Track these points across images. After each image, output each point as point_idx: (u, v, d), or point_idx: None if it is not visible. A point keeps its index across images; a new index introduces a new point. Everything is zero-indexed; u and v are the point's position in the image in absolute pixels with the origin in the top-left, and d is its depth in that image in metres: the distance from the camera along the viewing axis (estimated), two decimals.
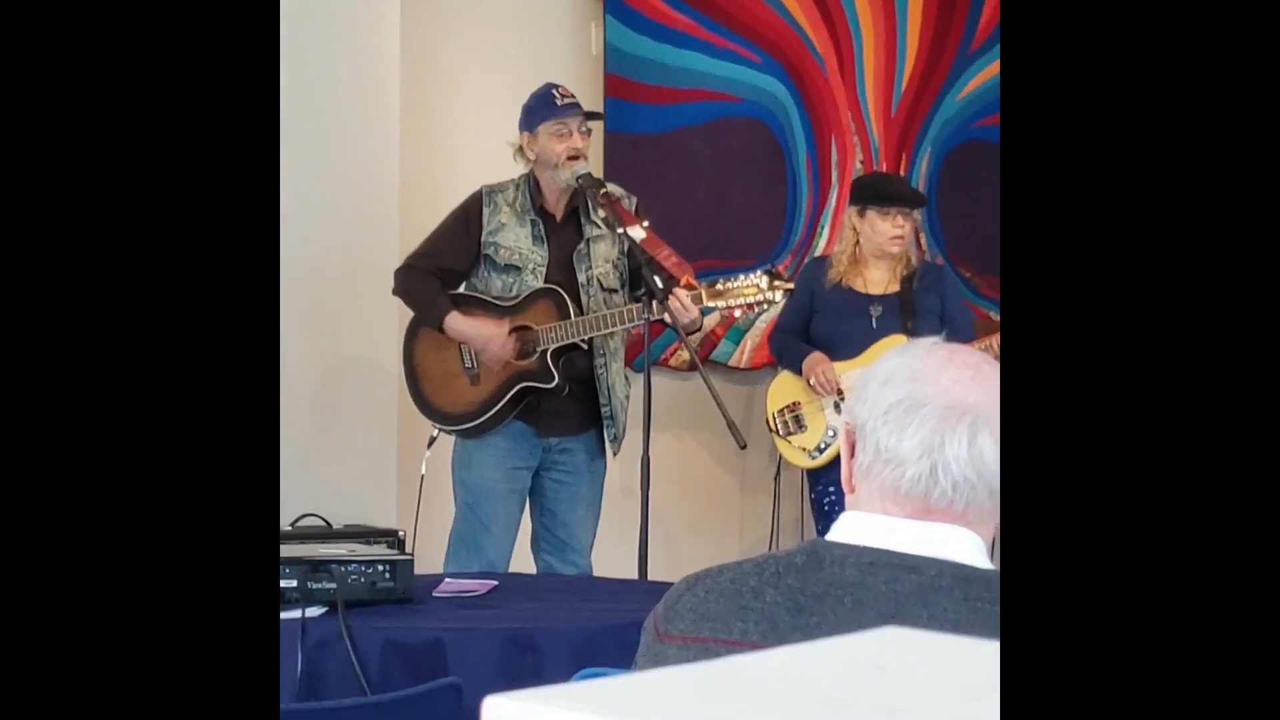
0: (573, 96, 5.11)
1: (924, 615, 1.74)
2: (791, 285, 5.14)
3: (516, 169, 5.18)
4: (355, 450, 5.69)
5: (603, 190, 5.02)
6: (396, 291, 5.18)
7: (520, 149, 5.13)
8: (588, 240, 5.10)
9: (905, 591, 1.76)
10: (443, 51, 6.28)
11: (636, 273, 5.00)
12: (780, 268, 6.58)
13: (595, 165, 5.89)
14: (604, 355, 5.12)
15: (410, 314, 5.27)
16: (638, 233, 4.90)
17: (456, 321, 5.06)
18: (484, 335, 5.04)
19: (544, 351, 5.02)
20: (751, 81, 6.72)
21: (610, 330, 5.03)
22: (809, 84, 6.80)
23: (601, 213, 5.04)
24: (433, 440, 5.19)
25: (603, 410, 5.13)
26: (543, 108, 5.10)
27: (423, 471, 5.14)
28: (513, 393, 5.05)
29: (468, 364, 5.11)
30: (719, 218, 6.66)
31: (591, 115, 5.19)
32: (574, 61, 6.48)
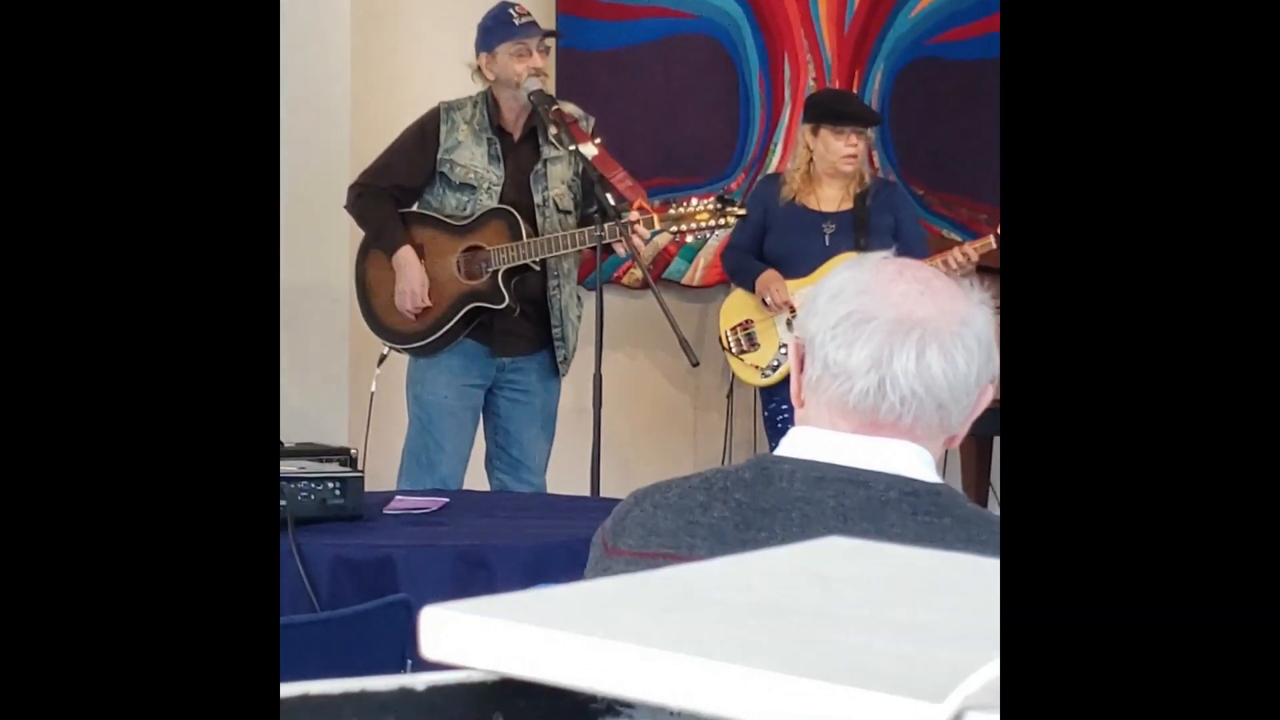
0: (529, 15, 5.08)
1: (871, 529, 1.75)
2: (743, 211, 5.15)
3: (466, 87, 5.15)
4: (307, 368, 5.67)
5: (554, 107, 5.00)
6: (351, 208, 5.17)
7: (479, 69, 5.10)
8: (544, 161, 5.10)
9: (853, 506, 1.77)
10: None
11: (589, 191, 5.00)
12: (732, 186, 6.58)
13: (548, 82, 5.86)
14: (557, 276, 5.13)
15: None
16: (590, 150, 4.88)
17: (402, 259, 5.05)
18: (411, 281, 5.03)
19: (495, 272, 5.01)
20: None
21: (562, 252, 5.03)
22: (761, 2, 6.77)
23: (553, 129, 5.02)
24: (383, 358, 5.18)
25: (554, 331, 5.14)
26: (500, 28, 5.06)
27: (372, 389, 5.14)
28: (463, 312, 5.04)
29: None
30: (671, 136, 6.63)
31: (549, 34, 5.16)
32: None
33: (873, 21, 6.94)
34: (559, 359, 5.16)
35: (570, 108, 5.07)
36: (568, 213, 5.11)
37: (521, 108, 5.07)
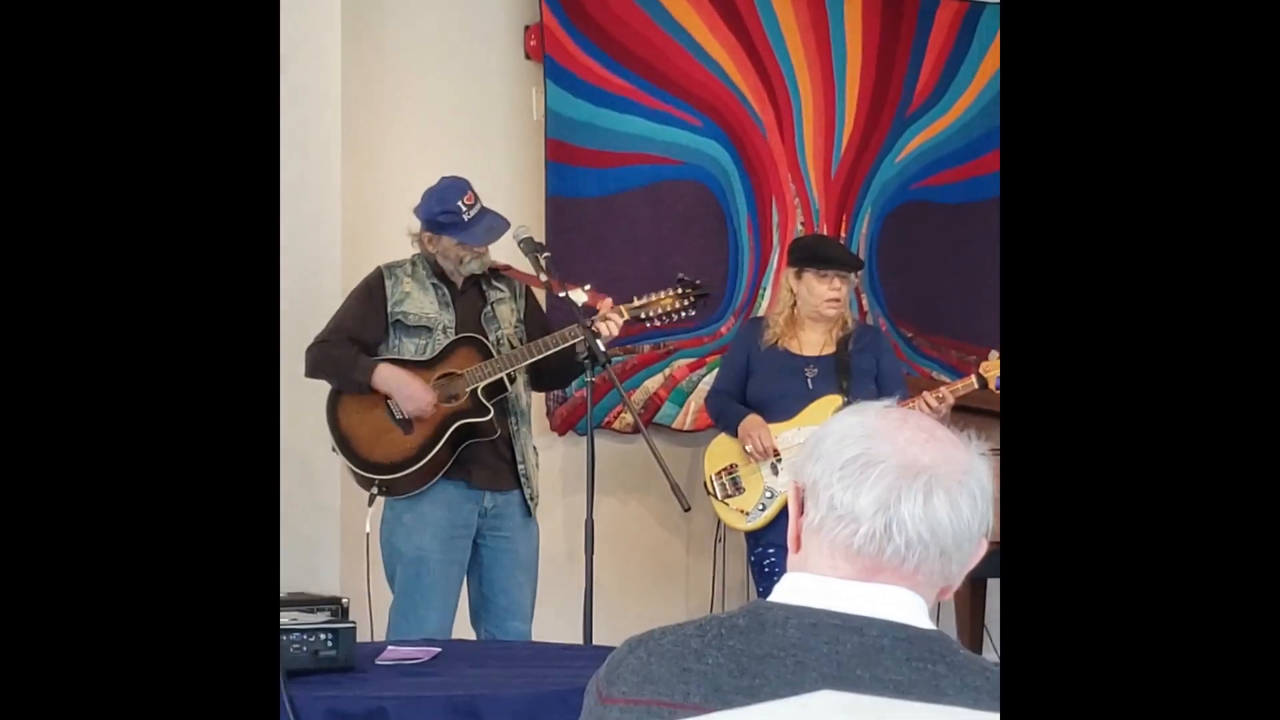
0: (476, 203, 5.13)
1: (866, 676, 1.74)
2: (707, 293, 5.25)
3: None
4: (297, 516, 5.65)
5: (545, 254, 5.05)
6: (310, 369, 5.14)
7: (418, 238, 5.18)
8: (492, 304, 5.16)
9: (847, 652, 1.76)
10: (382, 116, 6.29)
11: (544, 326, 5.15)
12: (722, 330, 6.62)
13: (537, 229, 5.91)
14: (515, 415, 5.17)
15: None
16: (579, 296, 4.94)
17: (386, 371, 5.06)
18: (413, 384, 5.04)
19: (474, 390, 5.03)
20: (691, 144, 6.75)
21: (539, 356, 5.05)
22: (749, 146, 6.84)
23: (544, 277, 5.07)
24: (373, 498, 5.16)
25: (519, 470, 5.15)
26: (451, 225, 5.11)
27: (367, 529, 5.11)
28: (449, 433, 5.04)
29: (398, 416, 5.11)
30: (661, 280, 6.64)
31: (494, 238, 5.19)
32: (515, 126, 6.50)
33: (859, 166, 7.01)
34: (527, 496, 5.16)
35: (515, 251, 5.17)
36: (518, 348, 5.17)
37: (467, 274, 5.15)
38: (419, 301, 5.13)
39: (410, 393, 5.03)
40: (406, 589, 5.11)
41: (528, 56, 6.54)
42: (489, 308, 5.17)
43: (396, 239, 5.65)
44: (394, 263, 5.21)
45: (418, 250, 5.21)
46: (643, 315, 5.13)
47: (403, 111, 6.34)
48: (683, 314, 5.27)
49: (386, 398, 5.10)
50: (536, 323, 5.24)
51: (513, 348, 5.13)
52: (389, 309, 5.13)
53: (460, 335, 5.10)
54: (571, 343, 4.97)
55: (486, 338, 5.13)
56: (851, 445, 1.80)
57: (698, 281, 5.35)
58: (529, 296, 5.27)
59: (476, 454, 5.10)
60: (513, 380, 5.10)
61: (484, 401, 5.03)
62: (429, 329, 5.12)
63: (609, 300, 5.06)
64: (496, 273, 5.15)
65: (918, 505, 1.76)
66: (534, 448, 5.30)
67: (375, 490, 5.15)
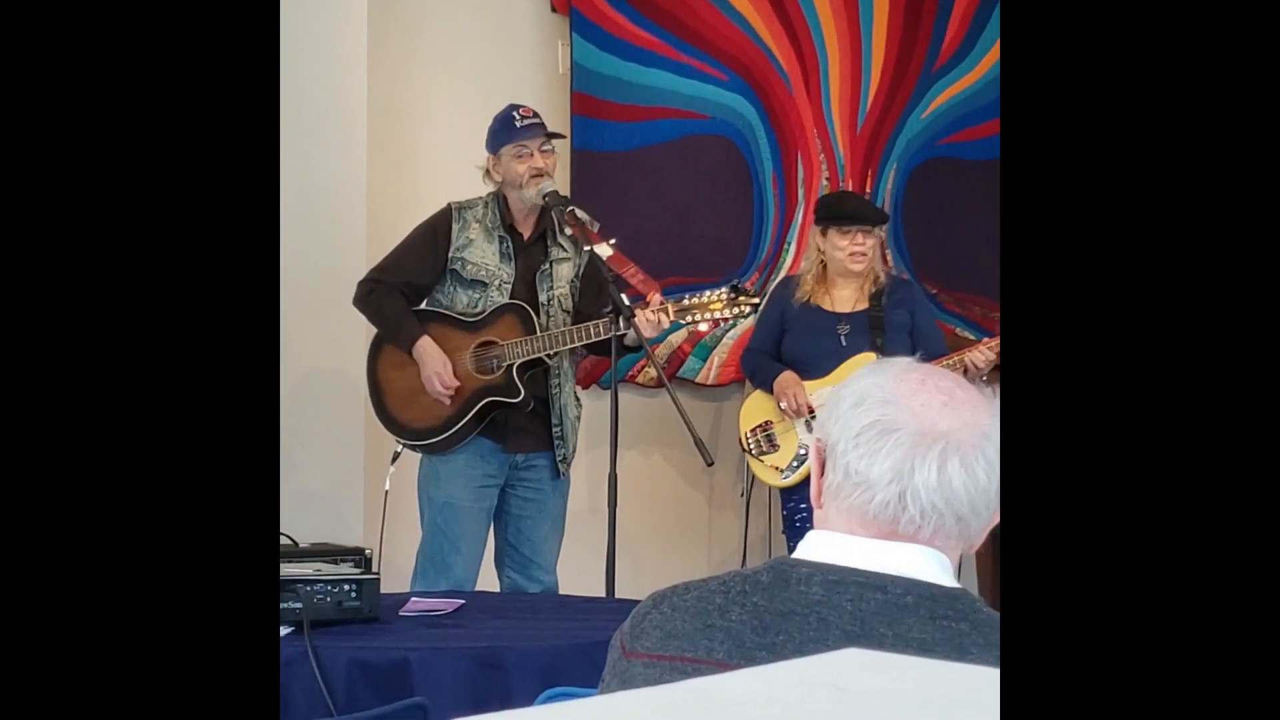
0: (534, 116, 5.13)
1: (889, 634, 1.75)
2: (757, 301, 5.17)
3: (479, 185, 5.21)
4: (322, 467, 5.68)
5: (569, 209, 5.04)
6: (358, 304, 5.17)
7: (487, 171, 5.15)
8: (552, 261, 5.14)
9: (871, 610, 1.77)
10: (409, 70, 6.28)
11: (600, 289, 5.04)
12: (747, 285, 6.61)
13: (562, 183, 5.90)
14: (558, 376, 5.16)
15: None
16: (605, 250, 4.93)
17: (425, 346, 5.08)
18: (435, 367, 5.04)
19: (509, 366, 5.04)
20: (718, 99, 6.73)
21: (576, 344, 5.06)
22: (775, 102, 6.82)
23: (569, 230, 5.06)
24: (396, 456, 5.19)
25: (554, 431, 5.16)
26: (504, 131, 5.13)
27: (386, 488, 5.13)
28: (478, 408, 5.06)
29: None
30: (686, 235, 6.67)
31: (552, 135, 5.20)
32: (541, 80, 6.49)
33: (885, 122, 6.99)
34: (559, 457, 5.17)
35: (580, 213, 5.11)
36: (569, 312, 5.15)
37: (530, 208, 5.12)
38: (481, 250, 5.11)
39: (432, 374, 5.04)
40: (434, 534, 5.15)
41: (554, 9, 6.52)
42: (548, 265, 5.15)
43: (423, 190, 5.66)
44: (465, 202, 5.18)
45: (492, 189, 5.19)
46: (688, 319, 5.09)
47: (428, 64, 6.33)
48: (731, 319, 5.26)
49: None
50: (593, 283, 5.17)
51: (561, 309, 5.12)
52: (450, 253, 5.12)
53: (509, 301, 5.08)
54: (611, 335, 4.90)
55: (538, 296, 5.11)
56: (869, 410, 1.80)
57: (752, 290, 5.32)
58: (593, 254, 5.22)
59: (509, 419, 5.12)
60: (551, 357, 5.09)
61: (517, 381, 5.03)
62: (484, 284, 5.10)
63: (658, 295, 5.01)
64: (564, 227, 5.10)
65: (932, 474, 1.76)
66: (578, 403, 5.29)
67: (399, 448, 5.19)
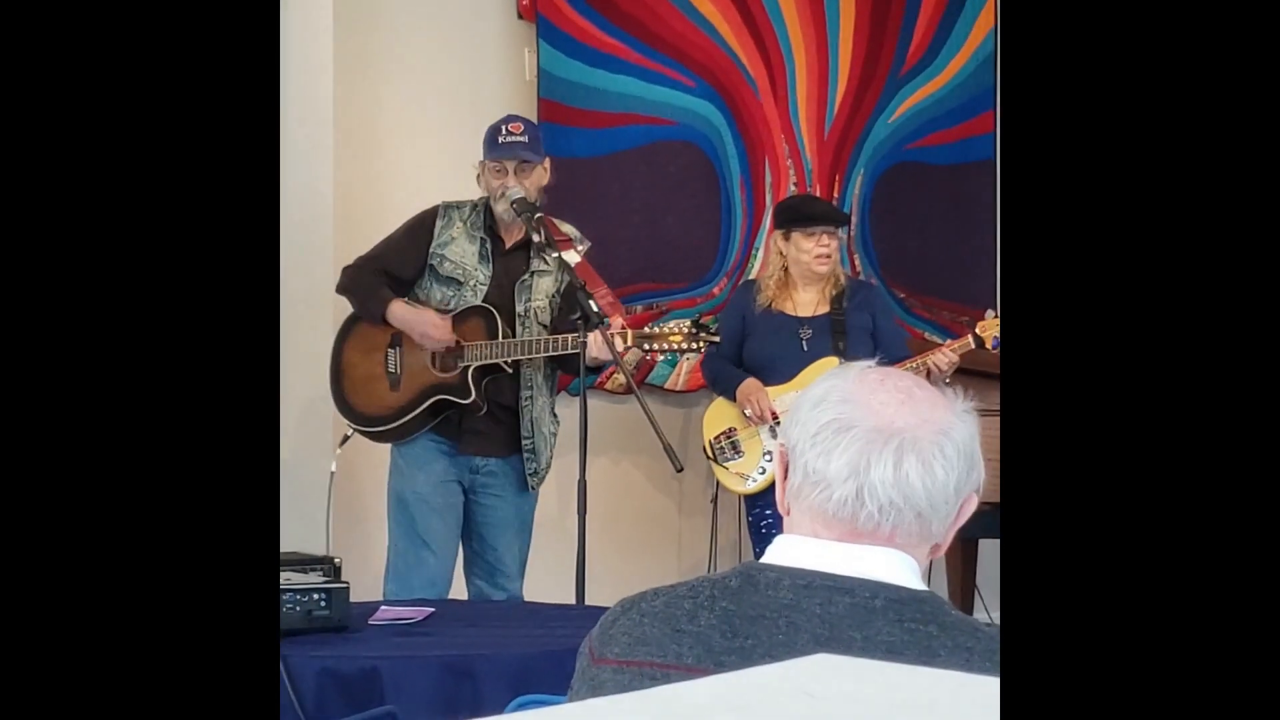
0: (519, 135, 5.13)
1: (858, 637, 1.75)
2: (716, 339, 5.19)
3: (448, 192, 5.23)
4: (288, 476, 5.66)
5: (537, 215, 5.04)
6: (341, 288, 5.22)
7: (479, 175, 5.20)
8: (532, 273, 5.14)
9: (839, 613, 1.77)
10: (377, 76, 6.27)
11: (569, 298, 5.04)
12: (715, 291, 6.62)
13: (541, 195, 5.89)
14: (531, 388, 5.15)
15: (343, 314, 5.28)
16: (572, 257, 4.92)
17: (399, 308, 5.11)
18: (424, 320, 5.07)
19: (465, 368, 5.04)
20: (685, 105, 6.74)
21: (532, 356, 5.06)
22: (742, 107, 6.83)
23: (535, 236, 5.06)
24: (345, 439, 5.21)
25: (524, 443, 5.15)
26: (488, 144, 5.17)
27: (332, 469, 5.11)
28: (428, 403, 5.07)
29: (391, 368, 5.17)
30: (654, 241, 6.67)
31: (526, 160, 5.16)
32: (508, 87, 6.49)
33: (852, 127, 7.00)
34: (529, 471, 5.17)
35: (567, 228, 5.12)
36: (545, 326, 5.14)
37: (507, 219, 5.12)
38: (460, 249, 5.13)
39: (425, 328, 5.06)
40: (404, 530, 5.16)
41: (520, 16, 6.52)
42: (529, 276, 5.15)
43: (392, 198, 5.65)
44: (455, 203, 5.22)
45: (484, 193, 5.21)
46: (646, 346, 5.10)
47: (396, 72, 6.32)
48: (687, 352, 5.29)
49: (389, 346, 5.14)
50: (570, 299, 5.17)
51: (537, 322, 5.12)
52: (431, 248, 5.14)
53: (479, 304, 5.08)
54: (568, 352, 4.93)
55: (515, 306, 5.11)
56: (827, 410, 1.81)
57: (713, 328, 5.34)
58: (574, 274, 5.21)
59: (464, 420, 5.11)
60: (510, 365, 5.09)
61: (470, 383, 5.04)
62: (460, 282, 5.11)
63: (620, 319, 5.02)
64: (551, 241, 5.10)
65: (888, 470, 1.77)
66: (555, 419, 5.28)
67: (349, 433, 5.25)
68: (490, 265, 5.12)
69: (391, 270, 5.17)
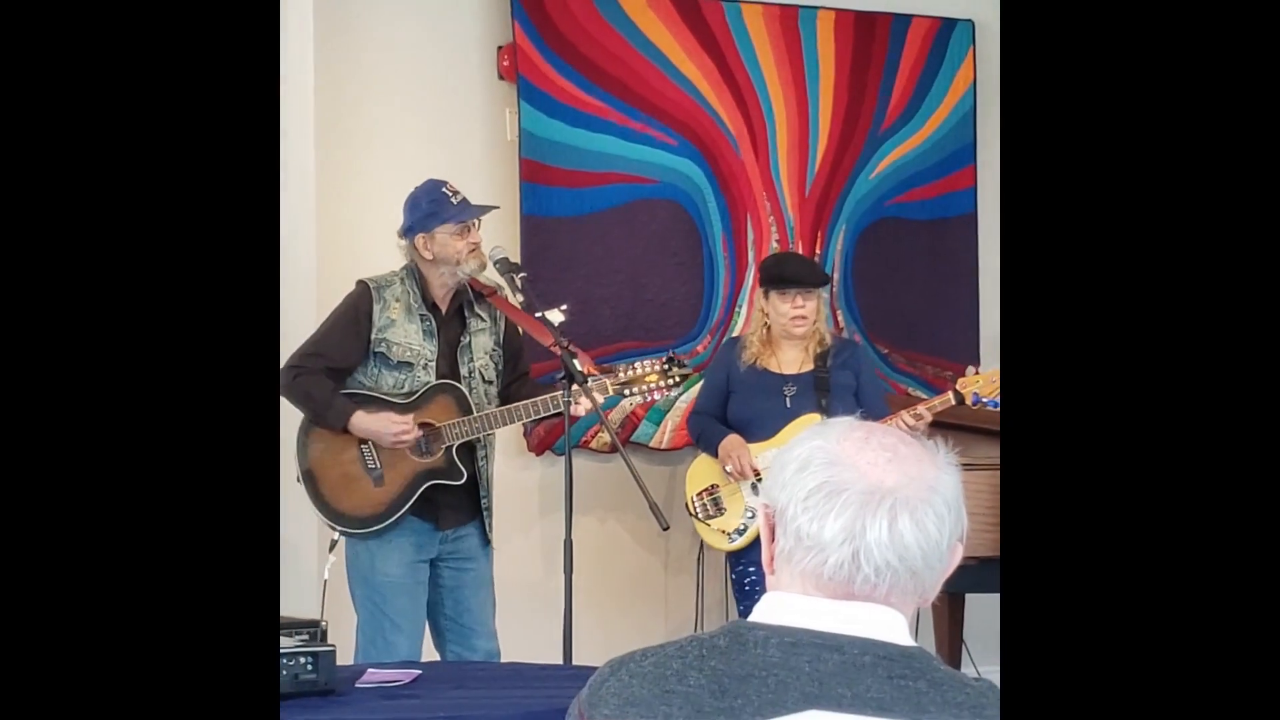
0: (459, 192, 5.12)
1: (848, 694, 1.74)
2: (689, 372, 5.19)
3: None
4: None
5: (521, 274, 5.04)
6: (286, 391, 4.98)
7: (413, 248, 5.10)
8: (471, 335, 5.12)
9: (828, 671, 1.76)
10: (358, 137, 6.29)
11: (518, 356, 5.14)
12: (699, 349, 6.63)
13: (512, 249, 5.90)
14: (485, 448, 5.15)
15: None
16: (556, 316, 4.93)
17: (361, 420, 5.03)
18: (389, 426, 5.01)
19: (449, 448, 5.02)
20: (666, 163, 6.76)
21: (518, 422, 5.06)
22: (723, 165, 6.85)
23: (520, 297, 5.05)
24: (334, 544, 5.06)
25: (483, 502, 5.14)
26: (440, 210, 5.08)
27: (325, 577, 4.99)
28: (420, 491, 5.03)
29: (370, 465, 5.08)
30: (637, 300, 6.68)
31: (486, 209, 5.19)
32: (489, 147, 6.51)
33: (833, 183, 7.02)
34: (488, 528, 5.16)
35: (490, 270, 5.10)
36: (491, 383, 5.14)
37: (451, 285, 5.09)
38: (404, 331, 5.06)
39: (394, 434, 5.00)
40: (373, 614, 5.09)
41: (501, 77, 6.54)
42: (467, 339, 5.12)
43: (371, 258, 5.63)
44: (382, 279, 5.11)
45: (408, 261, 5.15)
46: (626, 392, 5.10)
47: (377, 133, 6.33)
48: (666, 390, 5.24)
49: (361, 444, 5.08)
50: (512, 348, 5.20)
51: (483, 380, 5.11)
52: (373, 334, 5.06)
53: (441, 381, 5.05)
54: (551, 414, 4.96)
55: (459, 370, 5.10)
56: (815, 473, 1.80)
57: (685, 361, 5.34)
58: (509, 321, 5.22)
59: (442, 497, 5.09)
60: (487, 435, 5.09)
61: (458, 463, 5.02)
62: (410, 364, 5.06)
63: (590, 362, 5.03)
64: (480, 298, 5.10)
65: (883, 532, 1.77)
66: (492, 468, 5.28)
67: (336, 537, 5.08)
68: (435, 340, 5.09)
69: (335, 364, 5.07)
